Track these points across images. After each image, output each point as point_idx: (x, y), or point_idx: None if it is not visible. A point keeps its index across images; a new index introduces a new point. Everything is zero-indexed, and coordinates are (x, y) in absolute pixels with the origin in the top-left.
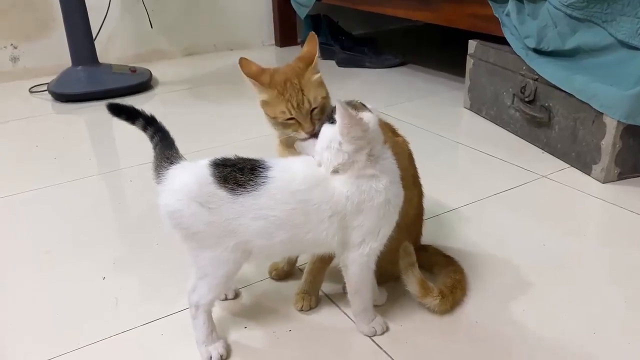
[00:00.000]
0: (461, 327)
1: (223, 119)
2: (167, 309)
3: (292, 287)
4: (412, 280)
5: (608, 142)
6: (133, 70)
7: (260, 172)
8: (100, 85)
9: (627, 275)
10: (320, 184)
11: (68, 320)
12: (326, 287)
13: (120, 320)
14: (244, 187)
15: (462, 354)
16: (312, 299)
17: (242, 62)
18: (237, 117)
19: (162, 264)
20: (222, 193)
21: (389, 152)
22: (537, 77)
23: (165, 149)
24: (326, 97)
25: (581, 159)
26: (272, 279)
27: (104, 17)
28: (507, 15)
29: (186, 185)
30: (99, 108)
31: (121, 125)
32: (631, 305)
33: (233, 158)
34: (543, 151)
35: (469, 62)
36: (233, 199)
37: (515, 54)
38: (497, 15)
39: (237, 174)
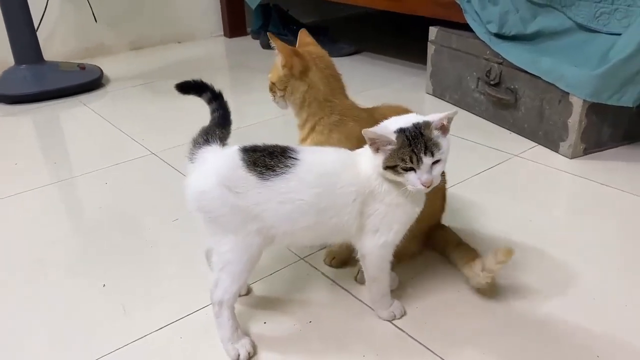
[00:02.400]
0: (474, 305)
1: (182, 113)
2: (179, 311)
3: (305, 277)
4: (486, 275)
5: (575, 120)
6: (82, 67)
7: (291, 154)
8: (48, 84)
9: (616, 241)
10: (348, 168)
11: (77, 333)
12: (339, 277)
13: (133, 327)
14: (273, 170)
15: (482, 330)
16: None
17: (301, 33)
18: (198, 111)
19: (161, 266)
20: (250, 177)
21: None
22: (501, 60)
23: (215, 127)
24: (275, 81)
25: (549, 137)
26: (331, 266)
27: (43, 10)
28: (469, 1)
29: (216, 167)
30: (50, 108)
31: (75, 125)
32: (630, 268)
33: (262, 145)
34: (510, 132)
35: (430, 49)
36: (261, 183)
37: (478, 39)
38: (458, 2)
39: (266, 158)
